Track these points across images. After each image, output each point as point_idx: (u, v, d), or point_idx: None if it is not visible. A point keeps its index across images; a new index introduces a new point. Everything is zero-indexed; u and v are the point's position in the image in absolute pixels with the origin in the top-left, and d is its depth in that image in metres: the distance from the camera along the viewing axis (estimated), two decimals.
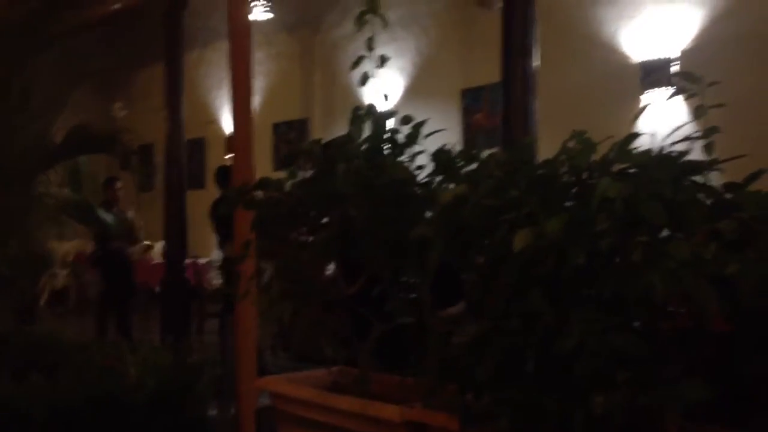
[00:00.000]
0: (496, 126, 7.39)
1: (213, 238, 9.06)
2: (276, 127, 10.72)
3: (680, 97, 1.90)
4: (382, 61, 2.55)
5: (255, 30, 5.24)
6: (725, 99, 1.82)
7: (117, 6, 10.70)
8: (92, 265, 8.19)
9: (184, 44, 7.23)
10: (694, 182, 1.80)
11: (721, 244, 1.60)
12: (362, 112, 2.46)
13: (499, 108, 8.54)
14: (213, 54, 11.70)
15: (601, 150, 1.93)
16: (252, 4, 8.37)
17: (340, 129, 2.53)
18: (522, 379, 1.84)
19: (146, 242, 8.94)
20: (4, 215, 5.49)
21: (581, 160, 1.79)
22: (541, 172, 1.92)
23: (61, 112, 6.99)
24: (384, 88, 2.64)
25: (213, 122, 11.69)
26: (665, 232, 1.78)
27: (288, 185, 2.56)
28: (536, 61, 4.86)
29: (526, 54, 4.77)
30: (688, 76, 1.73)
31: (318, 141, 2.48)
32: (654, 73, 6.87)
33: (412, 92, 8.86)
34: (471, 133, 8.54)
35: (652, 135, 1.80)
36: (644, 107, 6.63)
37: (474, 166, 2.25)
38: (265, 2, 9.34)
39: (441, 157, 2.31)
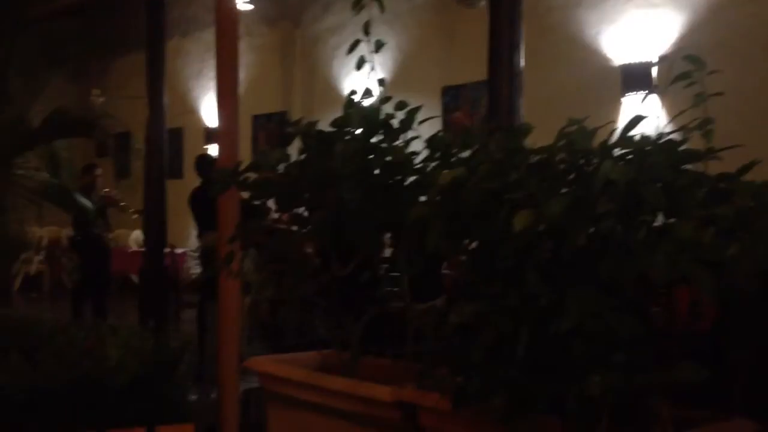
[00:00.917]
0: (475, 124, 7.44)
1: (190, 229, 9.03)
2: (256, 119, 10.69)
3: (659, 101, 1.94)
4: (378, 46, 2.57)
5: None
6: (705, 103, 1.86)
7: None
8: (71, 249, 8.12)
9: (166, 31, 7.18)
10: (690, 171, 1.85)
11: (717, 230, 1.64)
12: (356, 96, 2.48)
13: (478, 106, 8.63)
14: (191, 44, 11.65)
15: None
16: None
17: (320, 122, 2.54)
18: (516, 360, 1.87)
19: (130, 208, 8.80)
20: None
21: (582, 144, 1.82)
22: (540, 157, 1.96)
23: (39, 96, 6.93)
24: (367, 82, 2.65)
25: (192, 112, 11.63)
26: (659, 220, 1.82)
27: (281, 167, 2.57)
28: (522, 60, 4.90)
29: (514, 51, 4.80)
30: (692, 59, 1.77)
31: (314, 123, 2.49)
32: (634, 76, 6.96)
33: (392, 89, 8.81)
34: (450, 130, 8.59)
35: (656, 119, 1.84)
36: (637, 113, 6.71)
37: (468, 153, 2.28)
38: None
39: (437, 142, 2.34)
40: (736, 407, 2.02)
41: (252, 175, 2.63)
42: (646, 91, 6.84)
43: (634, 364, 1.72)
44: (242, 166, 2.65)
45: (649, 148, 1.75)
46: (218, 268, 3.00)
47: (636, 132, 1.98)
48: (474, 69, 7.13)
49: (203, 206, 6.10)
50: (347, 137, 2.39)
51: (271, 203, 2.68)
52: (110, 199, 8.11)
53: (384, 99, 2.50)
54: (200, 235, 6.63)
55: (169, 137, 7.53)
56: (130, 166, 11.19)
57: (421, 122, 2.49)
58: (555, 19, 7.68)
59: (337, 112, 2.50)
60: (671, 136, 1.83)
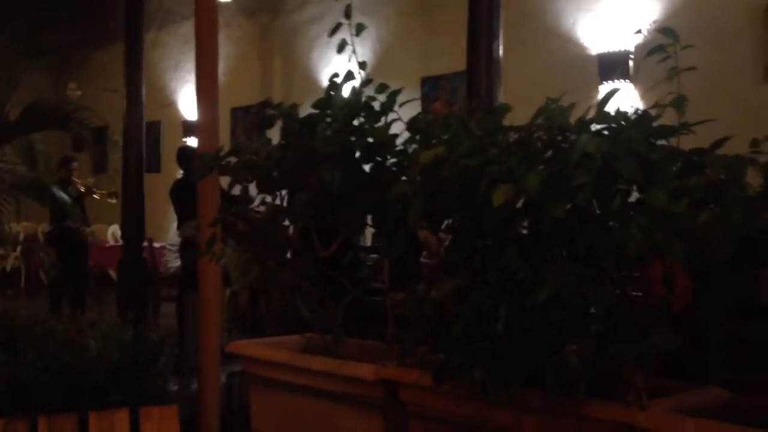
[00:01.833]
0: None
1: (169, 222, 8.98)
2: (234, 111, 10.66)
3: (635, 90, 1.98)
4: (359, 29, 2.58)
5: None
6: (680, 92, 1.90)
7: None
8: (48, 243, 8.05)
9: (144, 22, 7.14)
10: (664, 145, 1.89)
11: (690, 200, 1.68)
12: (339, 79, 2.50)
13: (457, 97, 8.67)
14: (168, 37, 11.59)
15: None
16: None
17: (300, 113, 2.55)
18: (496, 333, 1.90)
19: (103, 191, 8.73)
20: None
21: (559, 120, 1.85)
22: (519, 135, 1.99)
23: (15, 89, 6.87)
24: (347, 69, 2.66)
25: (170, 105, 11.57)
26: (635, 197, 1.86)
27: (263, 151, 2.59)
28: (501, 49, 4.94)
29: (492, 40, 4.84)
30: (667, 32, 1.81)
31: (295, 105, 2.51)
32: (611, 65, 7.02)
33: (371, 80, 8.88)
34: None
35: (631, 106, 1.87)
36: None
37: (447, 136, 2.31)
38: None
39: (417, 124, 2.36)
40: (711, 378, 2.07)
41: (233, 160, 2.65)
42: (625, 81, 6.89)
43: (610, 334, 1.76)
44: (223, 152, 2.67)
45: (623, 123, 1.79)
46: (199, 253, 3.01)
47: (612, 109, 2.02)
48: (452, 59, 7.15)
49: (185, 197, 6.08)
50: (329, 119, 2.41)
51: (252, 191, 2.70)
52: (87, 190, 8.06)
53: (365, 81, 2.52)
54: (180, 227, 6.61)
55: (147, 130, 7.50)
56: (108, 160, 11.12)
57: (401, 105, 2.52)
58: (533, 9, 7.73)
59: None
60: (646, 112, 1.87)
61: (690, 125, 1.85)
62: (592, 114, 1.95)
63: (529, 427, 1.98)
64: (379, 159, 2.37)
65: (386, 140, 2.32)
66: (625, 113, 1.84)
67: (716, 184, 1.73)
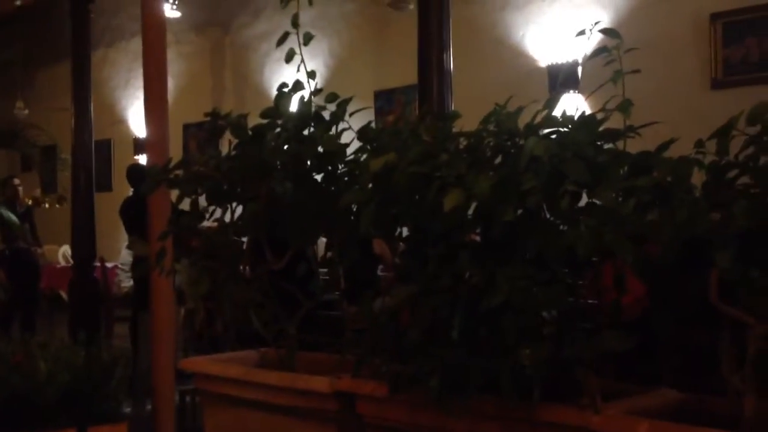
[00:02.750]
0: None
1: (120, 242, 8.83)
2: (186, 127, 10.55)
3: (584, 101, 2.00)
4: (307, 39, 2.57)
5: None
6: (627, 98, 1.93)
7: (18, 2, 10.33)
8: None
9: (92, 40, 7.05)
10: (611, 149, 1.90)
11: (638, 201, 1.69)
12: (288, 89, 2.48)
13: (410, 110, 8.70)
14: (117, 54, 11.45)
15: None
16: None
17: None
18: (451, 341, 1.89)
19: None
20: None
21: (509, 123, 1.86)
22: (468, 141, 1.99)
23: None
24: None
25: (120, 123, 11.41)
26: (584, 201, 1.87)
27: (212, 162, 2.55)
28: (451, 62, 4.97)
29: (443, 52, 4.87)
30: (610, 32, 1.83)
31: (245, 115, 2.48)
32: (560, 76, 7.12)
33: (324, 94, 8.87)
34: None
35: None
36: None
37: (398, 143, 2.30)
38: (172, 1, 9.20)
39: (368, 132, 2.35)
40: (666, 380, 2.09)
41: (181, 172, 2.61)
42: (574, 92, 6.97)
43: (563, 337, 1.76)
44: (172, 164, 2.63)
45: (570, 126, 1.80)
46: (150, 267, 2.95)
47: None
48: (405, 73, 7.19)
49: (136, 215, 5.98)
50: (278, 129, 2.39)
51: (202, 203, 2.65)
52: (35, 200, 7.89)
53: (315, 91, 2.51)
54: (130, 245, 6.50)
55: (97, 149, 7.38)
56: (57, 179, 10.92)
57: (352, 114, 2.50)
58: (483, 22, 7.81)
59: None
60: (591, 115, 1.89)
61: (636, 128, 1.87)
62: (540, 120, 1.96)
63: None
64: (330, 168, 2.35)
65: (337, 149, 2.30)
66: (572, 117, 1.85)
67: (663, 186, 1.75)
